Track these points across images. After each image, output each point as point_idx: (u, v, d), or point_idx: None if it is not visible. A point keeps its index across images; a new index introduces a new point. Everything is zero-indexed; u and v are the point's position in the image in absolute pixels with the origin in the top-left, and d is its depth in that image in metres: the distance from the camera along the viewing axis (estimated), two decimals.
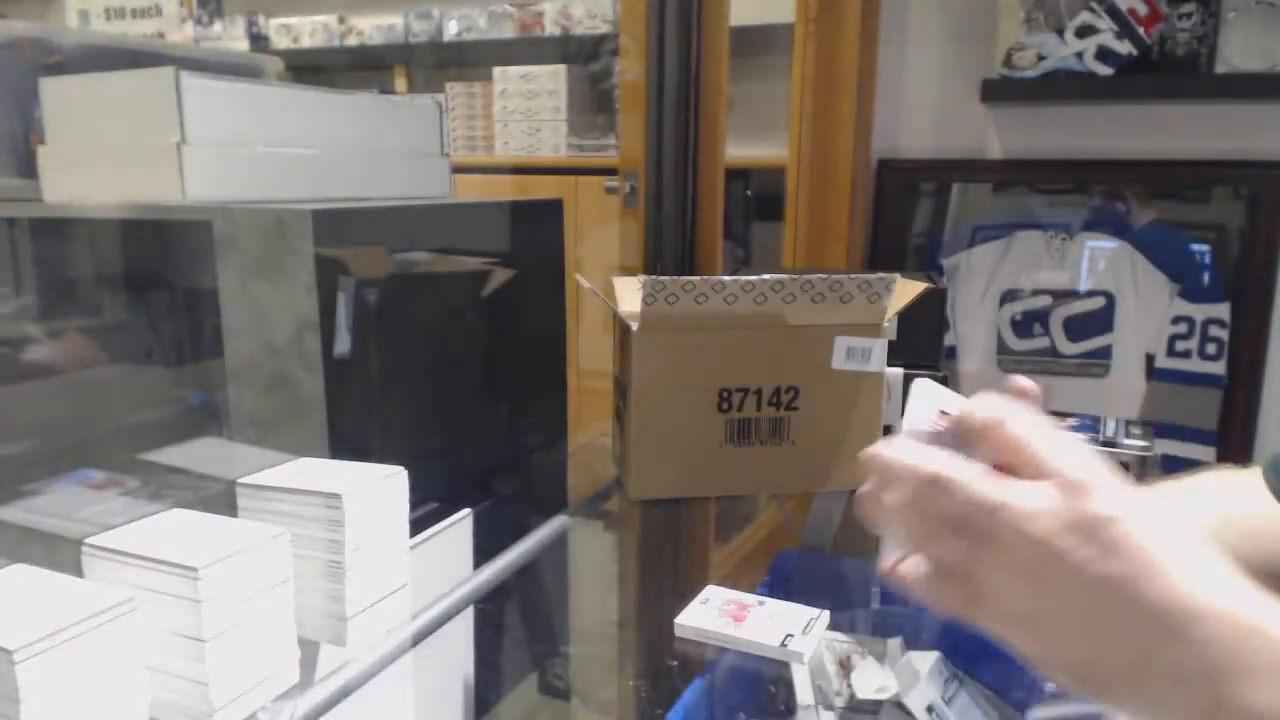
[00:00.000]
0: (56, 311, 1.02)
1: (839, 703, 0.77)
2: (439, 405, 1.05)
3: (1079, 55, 1.65)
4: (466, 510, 0.96)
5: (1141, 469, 1.29)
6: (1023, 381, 0.52)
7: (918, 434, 0.46)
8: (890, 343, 1.04)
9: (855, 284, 1.00)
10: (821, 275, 1.00)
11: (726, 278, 0.98)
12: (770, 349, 1.02)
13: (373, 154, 1.11)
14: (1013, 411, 0.43)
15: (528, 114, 3.06)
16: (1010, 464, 0.42)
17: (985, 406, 0.43)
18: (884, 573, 0.45)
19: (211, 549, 0.59)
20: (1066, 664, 0.41)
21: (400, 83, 3.37)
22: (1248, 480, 0.74)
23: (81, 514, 0.89)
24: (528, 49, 3.13)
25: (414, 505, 0.75)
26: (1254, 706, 0.36)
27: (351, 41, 3.38)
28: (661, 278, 0.97)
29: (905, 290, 1.04)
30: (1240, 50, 1.60)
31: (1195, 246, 1.77)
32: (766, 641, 0.78)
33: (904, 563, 0.45)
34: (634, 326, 1.00)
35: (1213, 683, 0.37)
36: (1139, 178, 1.80)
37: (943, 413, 0.48)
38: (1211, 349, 1.74)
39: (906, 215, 1.96)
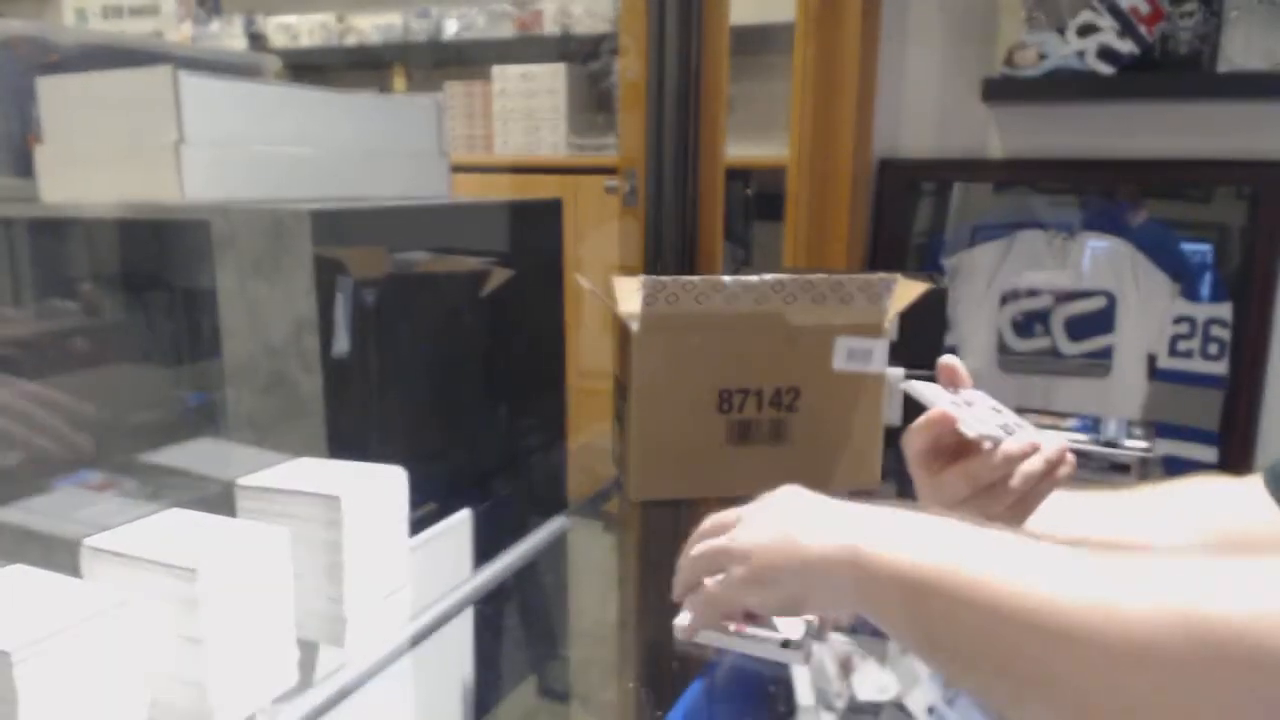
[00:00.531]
0: (54, 311, 1.02)
1: (839, 704, 0.77)
2: (438, 405, 1.05)
3: (1080, 54, 1.65)
4: (466, 510, 0.95)
5: (1143, 469, 1.29)
6: (950, 361, 0.72)
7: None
8: (891, 343, 1.04)
9: (856, 284, 1.00)
10: (822, 275, 1.00)
11: (727, 278, 0.98)
12: (771, 349, 1.02)
13: (371, 154, 1.11)
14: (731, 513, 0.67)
15: (527, 113, 3.06)
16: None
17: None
18: (683, 637, 0.68)
19: (210, 550, 0.58)
20: (780, 602, 0.60)
21: (399, 82, 3.37)
22: (1247, 487, 0.73)
23: (80, 514, 0.89)
24: (527, 48, 3.12)
25: (414, 505, 0.75)
26: (876, 551, 0.51)
27: (350, 40, 3.38)
28: (661, 278, 0.97)
29: (906, 290, 1.04)
30: (1243, 49, 1.60)
31: (1197, 246, 1.76)
32: (767, 642, 0.78)
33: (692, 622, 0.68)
34: (634, 326, 1.00)
35: (849, 550, 0.52)
36: (1140, 177, 1.79)
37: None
38: (1213, 349, 1.73)
39: (907, 215, 1.96)
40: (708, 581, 0.65)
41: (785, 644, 0.77)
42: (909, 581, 0.49)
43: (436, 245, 1.05)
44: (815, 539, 0.55)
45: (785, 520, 0.59)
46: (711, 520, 0.67)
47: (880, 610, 0.52)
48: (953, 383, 0.70)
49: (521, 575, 0.94)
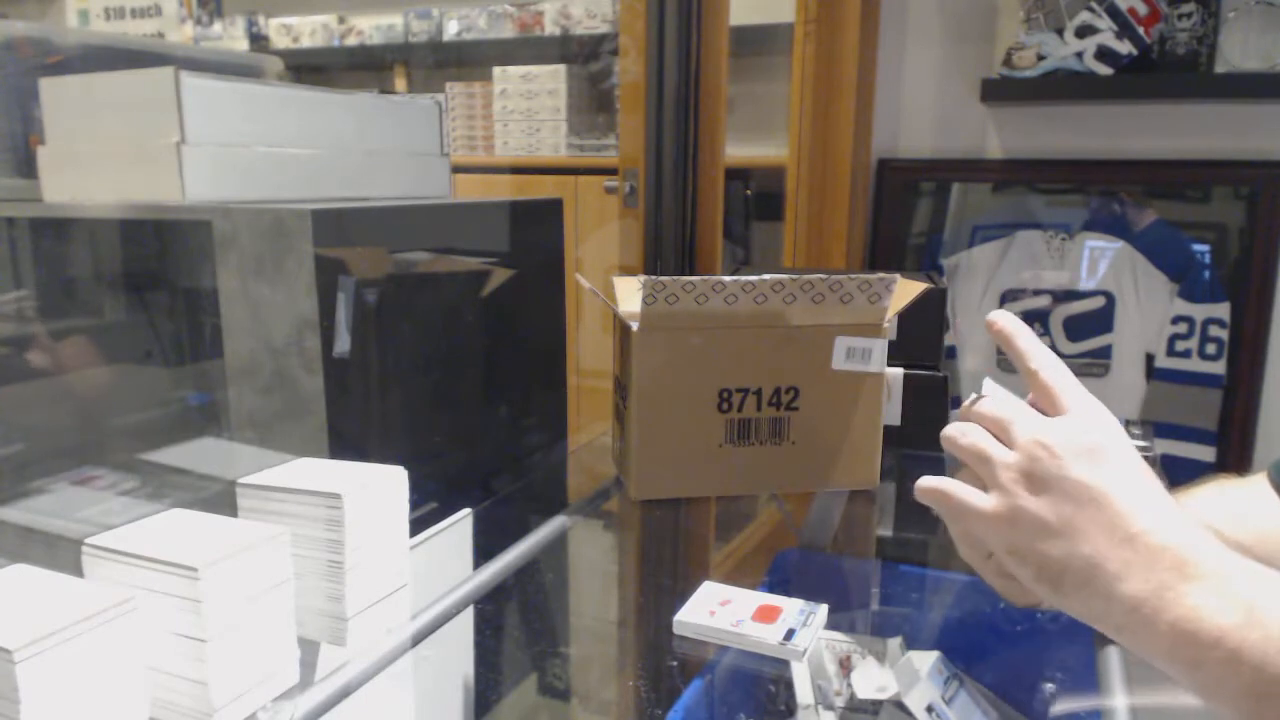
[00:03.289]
0: (56, 311, 1.02)
1: (839, 702, 0.77)
2: (439, 405, 1.05)
3: (1079, 55, 1.65)
4: (466, 510, 0.96)
5: None
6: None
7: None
8: (890, 342, 1.04)
9: (855, 284, 1.00)
10: (822, 275, 1.00)
11: (726, 278, 0.98)
12: (770, 349, 1.02)
13: (372, 154, 1.11)
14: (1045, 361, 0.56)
15: (527, 114, 3.06)
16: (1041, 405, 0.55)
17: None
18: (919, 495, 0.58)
19: (211, 549, 0.59)
20: (1039, 567, 0.49)
21: (400, 83, 3.37)
22: (1254, 486, 0.74)
23: (81, 514, 0.89)
24: (527, 49, 3.13)
25: (414, 505, 0.75)
26: (1198, 607, 0.42)
27: (351, 41, 3.38)
28: (661, 278, 0.97)
29: (905, 290, 1.04)
30: (1240, 50, 1.60)
31: (1195, 246, 1.77)
32: (766, 639, 0.78)
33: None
34: (634, 326, 1.00)
35: (1160, 581, 0.44)
36: (1139, 177, 1.80)
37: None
38: (1211, 349, 1.74)
39: (906, 215, 1.96)
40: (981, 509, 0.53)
41: (786, 637, 0.78)
42: (1257, 683, 0.41)
43: (437, 245, 1.05)
44: (1129, 579, 0.45)
45: (1093, 534, 0.47)
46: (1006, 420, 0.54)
47: (1203, 689, 0.44)
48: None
49: (522, 574, 0.94)
